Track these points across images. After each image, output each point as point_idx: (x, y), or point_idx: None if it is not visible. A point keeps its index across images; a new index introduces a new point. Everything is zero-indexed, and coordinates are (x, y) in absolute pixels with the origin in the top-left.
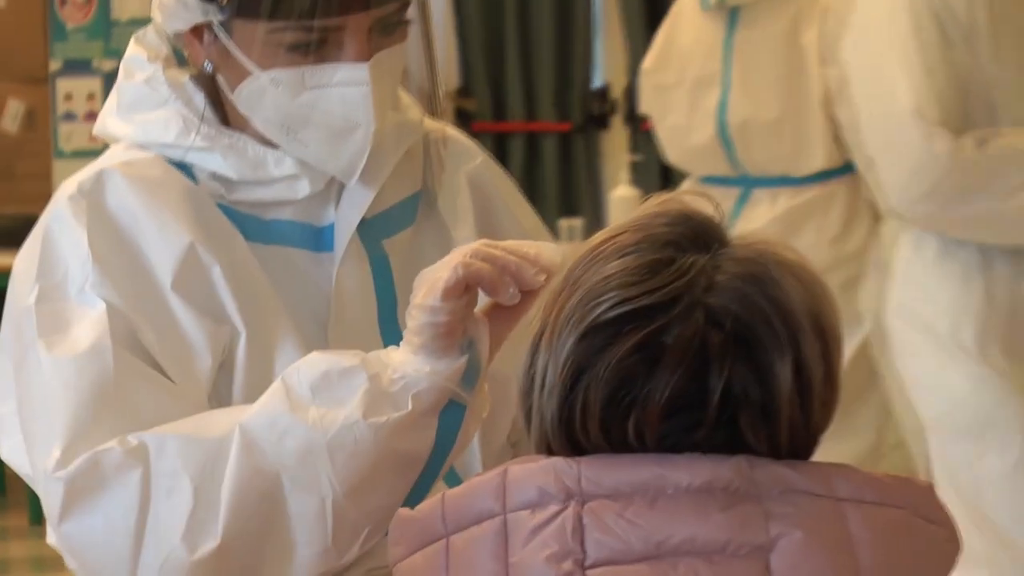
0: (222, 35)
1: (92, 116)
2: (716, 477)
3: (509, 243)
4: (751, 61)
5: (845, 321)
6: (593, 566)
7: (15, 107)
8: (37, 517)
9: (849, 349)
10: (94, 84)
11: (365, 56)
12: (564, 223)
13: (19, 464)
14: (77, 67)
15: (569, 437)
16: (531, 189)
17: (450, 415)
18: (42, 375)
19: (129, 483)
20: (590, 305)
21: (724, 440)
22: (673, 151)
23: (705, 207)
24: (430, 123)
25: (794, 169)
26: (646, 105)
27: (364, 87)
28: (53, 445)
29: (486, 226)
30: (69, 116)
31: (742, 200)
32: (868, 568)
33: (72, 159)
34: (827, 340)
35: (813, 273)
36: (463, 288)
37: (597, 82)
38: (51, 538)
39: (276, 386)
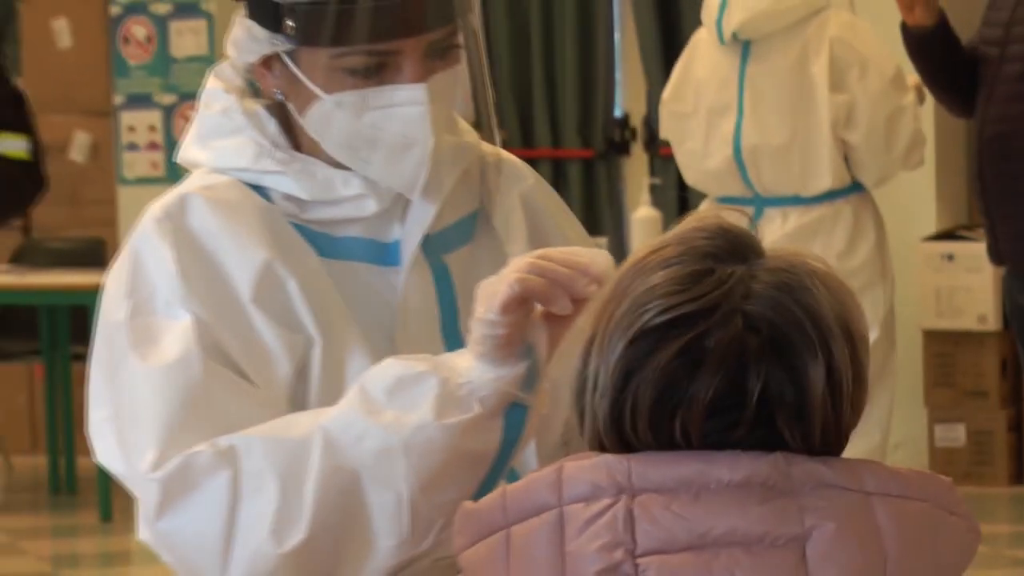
0: (289, 64)
1: (153, 146)
2: (754, 473)
3: (563, 252)
4: (762, 91)
5: None
6: (643, 555)
7: (81, 139)
8: (106, 514)
9: None
10: (154, 117)
11: (421, 77)
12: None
13: (113, 466)
14: (138, 101)
15: (620, 435)
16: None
17: (513, 416)
18: (135, 384)
19: (219, 483)
20: (637, 312)
21: (762, 438)
22: (691, 174)
23: (740, 221)
24: (486, 146)
25: (803, 189)
26: (665, 131)
27: (421, 106)
28: (148, 448)
29: (538, 242)
30: (132, 146)
31: (755, 218)
32: (894, 557)
33: (135, 186)
34: (855, 343)
35: (841, 282)
36: (519, 302)
37: (618, 111)
38: (143, 535)
39: (354, 391)
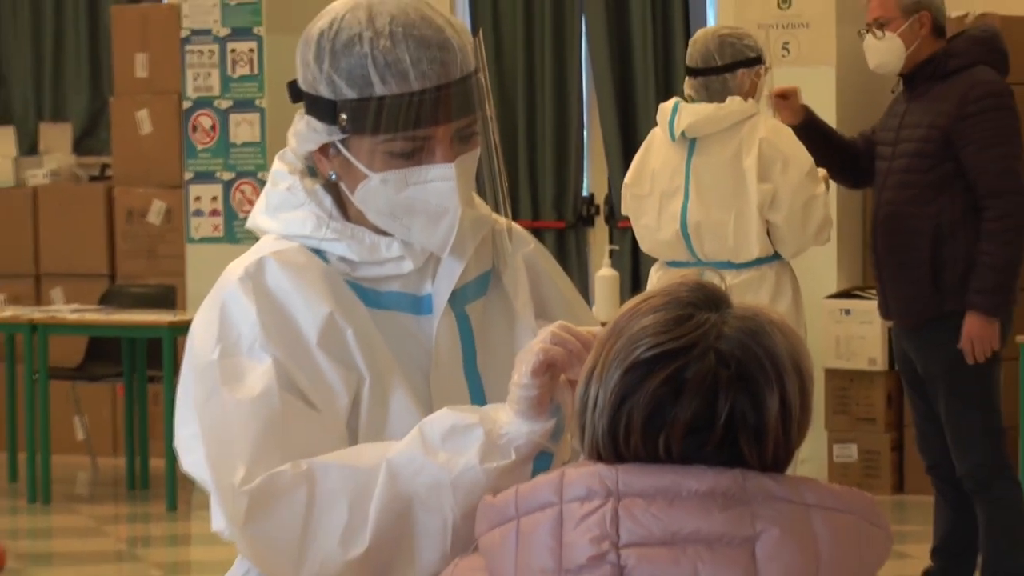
0: (342, 150)
1: (215, 213)
2: (717, 485)
3: (578, 329)
4: (705, 179)
5: None
6: (625, 546)
7: (158, 206)
8: (172, 505)
9: None
10: (216, 189)
11: (450, 158)
12: None
13: (200, 475)
14: (204, 177)
15: (614, 448)
16: None
17: (541, 462)
18: (226, 412)
19: (298, 498)
20: (631, 348)
21: (727, 455)
22: (646, 243)
23: (714, 279)
24: (496, 216)
25: (735, 257)
26: (625, 209)
27: (451, 181)
28: (238, 466)
29: (537, 296)
30: (198, 213)
31: None
32: (827, 558)
33: (200, 244)
34: (804, 379)
35: (793, 329)
36: (545, 368)
37: (585, 191)
38: (220, 529)
39: (415, 432)
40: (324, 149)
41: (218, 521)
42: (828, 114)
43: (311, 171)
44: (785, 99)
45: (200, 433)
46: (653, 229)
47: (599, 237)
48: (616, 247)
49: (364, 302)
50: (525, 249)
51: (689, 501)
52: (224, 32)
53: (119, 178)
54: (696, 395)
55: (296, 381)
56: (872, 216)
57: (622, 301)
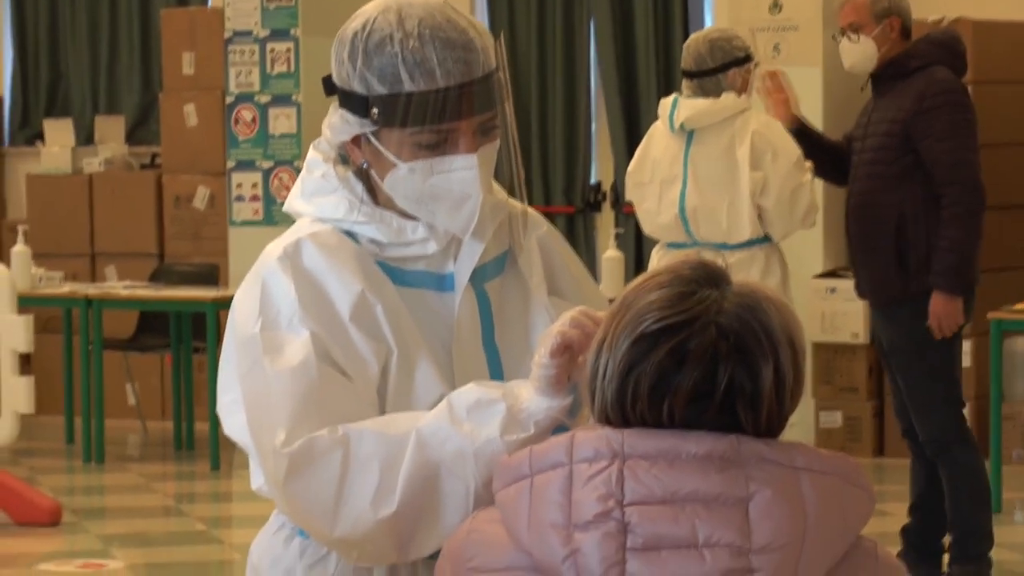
0: (373, 141)
1: (255, 198)
2: (714, 448)
3: (597, 314)
4: (701, 167)
5: None
6: (628, 504)
7: (203, 192)
8: (215, 465)
9: None
10: (256, 177)
11: (473, 149)
12: None
13: (240, 438)
14: (244, 165)
15: (622, 413)
16: None
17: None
18: (267, 381)
19: (334, 461)
20: (638, 321)
21: (725, 420)
22: (647, 227)
23: (715, 259)
24: (513, 202)
25: (728, 238)
26: (628, 196)
27: (473, 170)
28: (278, 430)
29: (549, 274)
30: (239, 198)
31: None
32: (813, 517)
33: (241, 227)
34: (796, 351)
35: (788, 306)
36: (563, 350)
37: (593, 179)
38: (256, 486)
39: (444, 404)
40: (356, 140)
41: (257, 480)
42: (815, 111)
43: (344, 159)
44: (774, 80)
45: (242, 399)
46: (654, 213)
47: (606, 221)
48: (621, 230)
49: (392, 280)
50: (539, 232)
51: (688, 463)
52: (264, 33)
53: (167, 166)
54: (698, 365)
55: (331, 352)
56: (845, 204)
57: (627, 280)
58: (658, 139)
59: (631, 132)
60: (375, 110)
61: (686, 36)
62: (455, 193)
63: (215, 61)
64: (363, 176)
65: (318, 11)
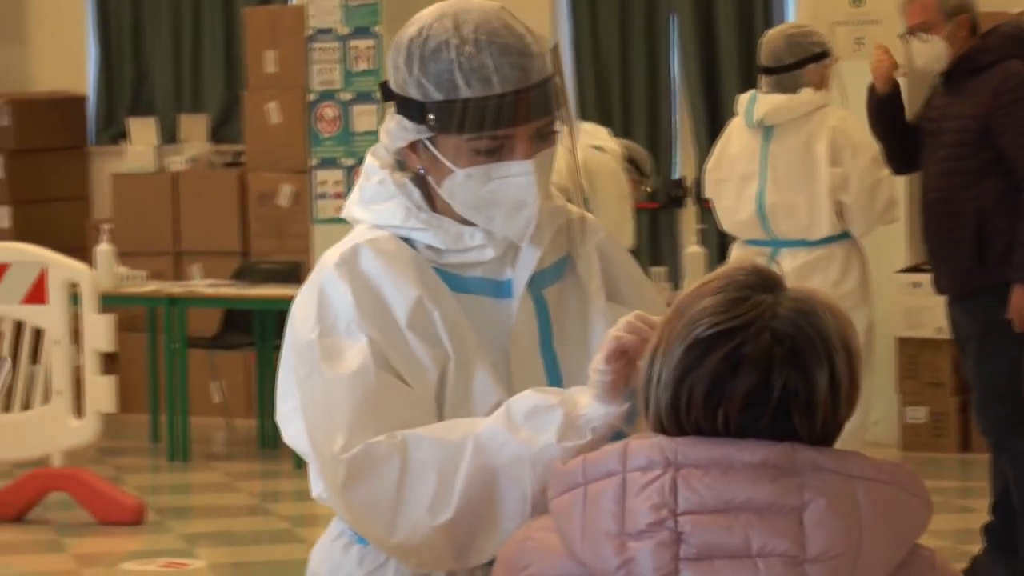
0: (430, 147)
1: (338, 195)
2: (768, 457)
3: (653, 319)
4: (780, 164)
5: None
6: (682, 514)
7: (286, 190)
8: (299, 463)
9: None
10: (339, 175)
11: (529, 155)
12: (652, 270)
13: (300, 446)
14: (327, 163)
15: (676, 420)
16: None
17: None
18: (325, 387)
19: (393, 467)
20: (692, 326)
21: (779, 427)
22: (725, 224)
23: (769, 264)
24: (572, 208)
25: (808, 235)
26: (707, 192)
27: (530, 176)
28: (336, 436)
29: (608, 280)
30: (322, 196)
31: (772, 256)
32: (868, 526)
33: (324, 224)
34: (852, 356)
35: (843, 311)
36: (619, 355)
37: (676, 175)
38: (316, 493)
39: (501, 410)
40: (413, 146)
41: (317, 487)
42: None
43: (401, 165)
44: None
45: (301, 406)
46: (732, 210)
47: (689, 217)
48: (704, 226)
49: (449, 286)
50: (597, 237)
51: (742, 472)
52: (345, 31)
53: (251, 164)
54: (752, 371)
55: (389, 358)
56: (920, 201)
57: None
58: (736, 135)
59: (713, 128)
60: (431, 116)
61: (767, 30)
62: (512, 199)
63: (297, 59)
64: (420, 182)
65: (400, 8)
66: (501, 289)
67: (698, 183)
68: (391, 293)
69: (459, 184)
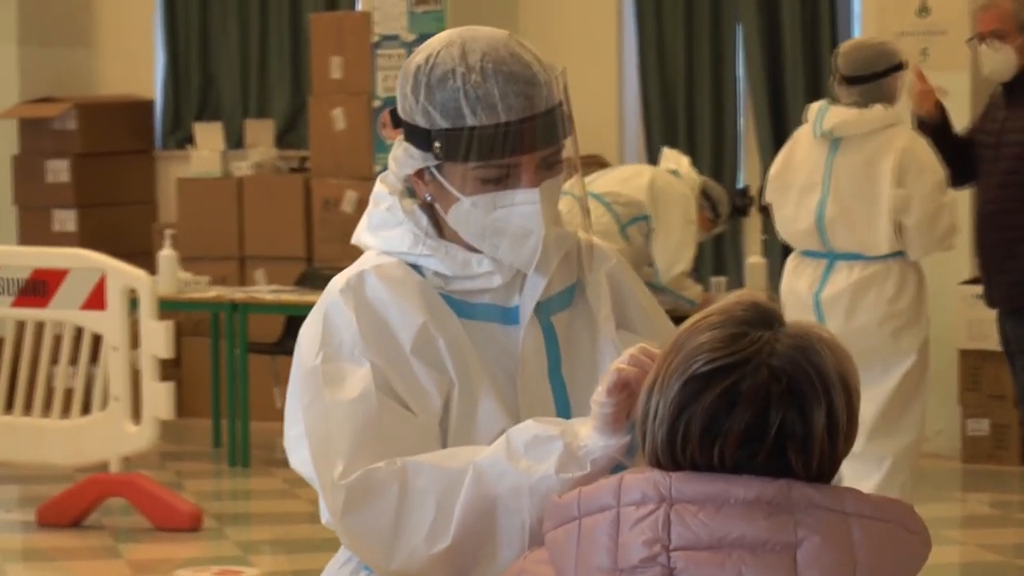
0: (436, 175)
1: None
2: (763, 493)
3: (657, 351)
4: (843, 177)
5: (895, 355)
6: (675, 549)
7: (351, 195)
8: None
9: (898, 374)
10: None
11: (535, 184)
12: (714, 279)
13: (304, 472)
14: None
15: (672, 455)
16: (698, 256)
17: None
18: (327, 413)
19: (391, 493)
20: (689, 362)
21: (776, 464)
22: (784, 232)
23: (769, 300)
24: (582, 234)
25: (865, 250)
26: (769, 198)
27: (535, 205)
28: (337, 462)
29: (618, 308)
30: None
31: (828, 268)
32: (863, 564)
33: None
34: (850, 393)
35: (842, 347)
36: (620, 387)
37: (740, 184)
38: (324, 520)
39: (502, 440)
40: (420, 173)
41: (324, 514)
42: (962, 116)
43: (410, 192)
44: (925, 86)
45: (305, 432)
46: (791, 219)
47: (752, 226)
48: (767, 236)
49: (457, 313)
50: (608, 265)
51: (736, 508)
52: (411, 37)
53: (316, 170)
54: (749, 407)
55: (392, 384)
56: (977, 214)
57: (772, 287)
58: (803, 144)
59: (778, 137)
60: (437, 144)
61: (834, 40)
62: (517, 227)
63: (363, 65)
64: (428, 209)
65: (465, 15)
66: (509, 316)
67: (761, 192)
68: (396, 319)
69: (465, 212)
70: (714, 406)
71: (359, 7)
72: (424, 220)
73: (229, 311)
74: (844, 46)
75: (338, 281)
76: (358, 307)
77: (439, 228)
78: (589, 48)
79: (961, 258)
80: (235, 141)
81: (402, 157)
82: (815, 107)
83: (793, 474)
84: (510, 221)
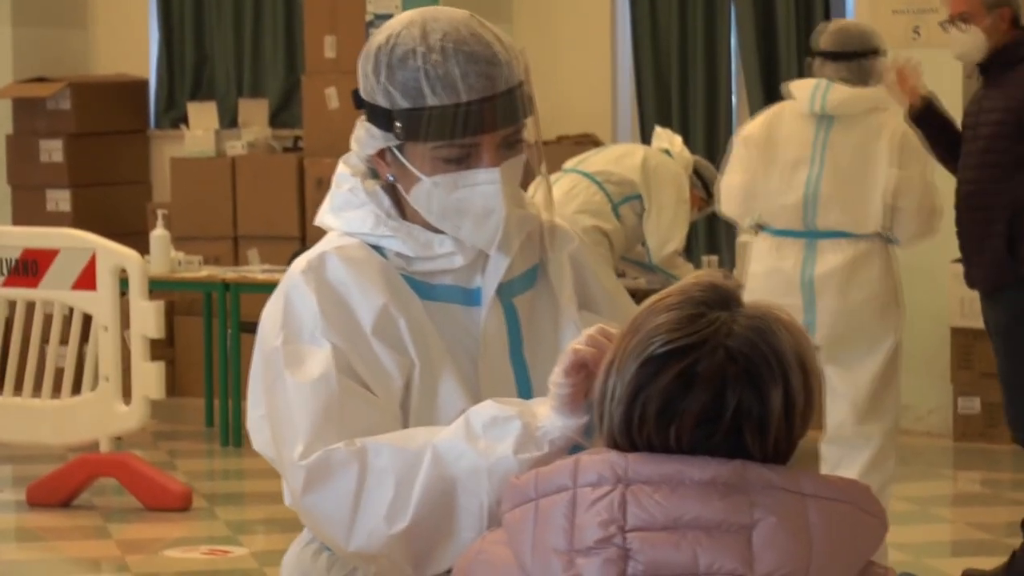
0: (398, 155)
1: None
2: (718, 474)
3: (612, 332)
4: (839, 155)
5: (882, 333)
6: (630, 530)
7: None
8: None
9: (882, 353)
10: None
11: (496, 163)
12: (706, 258)
13: (267, 453)
14: None
15: (629, 436)
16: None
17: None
18: (288, 394)
19: (350, 474)
20: (646, 343)
21: (732, 445)
22: (763, 207)
23: (728, 280)
24: (545, 215)
25: (856, 228)
26: (733, 158)
27: (496, 185)
28: (297, 443)
29: (580, 289)
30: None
31: (809, 247)
32: (819, 545)
33: None
34: (807, 374)
35: (800, 328)
36: (577, 368)
37: None
38: (287, 501)
39: (461, 420)
40: (382, 153)
41: (287, 496)
42: (955, 95)
43: (373, 173)
44: (904, 80)
45: (267, 414)
46: (777, 193)
47: None
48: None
49: (418, 294)
50: (571, 247)
51: (691, 489)
52: None
53: (309, 149)
54: (706, 389)
55: (353, 366)
56: (956, 194)
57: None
58: (787, 120)
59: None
60: (398, 124)
61: (827, 19)
62: (479, 207)
63: (356, 44)
64: (390, 190)
65: None
66: (471, 297)
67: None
68: (357, 300)
69: (426, 192)
70: (670, 387)
71: None
72: (386, 201)
73: (221, 291)
74: (829, 25)
75: (299, 263)
76: (319, 288)
77: (401, 209)
78: (583, 27)
79: (952, 236)
80: (229, 120)
81: (364, 137)
82: (809, 83)
83: (749, 455)
84: (471, 201)
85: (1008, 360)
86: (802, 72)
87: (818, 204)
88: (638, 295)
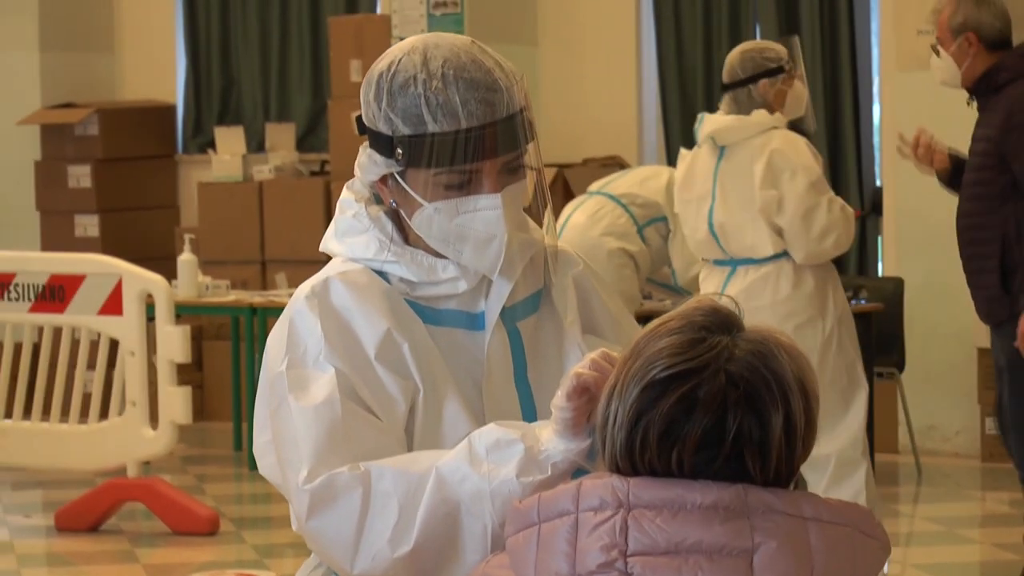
0: (400, 181)
1: None
2: (720, 498)
3: (615, 356)
4: (728, 184)
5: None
6: (632, 555)
7: None
8: None
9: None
10: None
11: (497, 189)
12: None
13: (273, 478)
14: None
15: (631, 461)
16: None
17: (577, 478)
18: (292, 418)
19: (354, 498)
20: (648, 367)
21: (733, 469)
22: (690, 243)
23: (729, 305)
24: (549, 240)
25: (754, 253)
26: (677, 211)
27: (498, 210)
28: (301, 467)
29: (585, 313)
30: None
31: (730, 274)
32: (820, 568)
33: None
34: (809, 398)
35: (801, 352)
36: (580, 392)
37: None
38: (294, 526)
39: (464, 443)
40: (384, 179)
41: (294, 521)
42: (972, 115)
43: (376, 199)
44: (931, 153)
45: (273, 438)
46: (693, 230)
47: None
48: None
49: (422, 319)
50: (575, 270)
51: (693, 513)
52: None
53: (336, 173)
54: (707, 413)
55: (357, 390)
56: (956, 226)
57: None
58: (701, 156)
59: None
60: (400, 151)
61: (852, 40)
62: (481, 233)
63: None
64: (394, 215)
65: (484, 18)
66: (475, 321)
67: None
68: (360, 325)
69: (428, 218)
70: (672, 411)
71: (379, 10)
72: (389, 226)
73: (249, 315)
74: (730, 52)
75: (304, 288)
76: (323, 313)
77: (405, 234)
78: (608, 49)
79: None
80: (256, 145)
81: (366, 164)
82: (700, 116)
83: (751, 479)
84: (473, 226)
85: (1009, 399)
86: (828, 95)
87: (720, 234)
88: None
